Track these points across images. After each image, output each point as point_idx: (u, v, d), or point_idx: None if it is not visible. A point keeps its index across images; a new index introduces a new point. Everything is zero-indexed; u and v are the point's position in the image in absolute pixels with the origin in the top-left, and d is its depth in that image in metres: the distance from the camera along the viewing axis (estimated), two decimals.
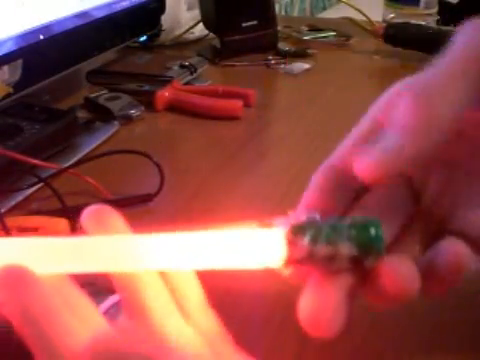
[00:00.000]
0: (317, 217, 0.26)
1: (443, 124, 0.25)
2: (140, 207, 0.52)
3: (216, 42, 0.92)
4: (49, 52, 0.62)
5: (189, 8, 0.97)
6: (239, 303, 0.40)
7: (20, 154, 0.51)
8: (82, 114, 0.68)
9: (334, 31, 0.98)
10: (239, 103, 0.70)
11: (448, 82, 0.25)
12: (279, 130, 0.69)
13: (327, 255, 0.24)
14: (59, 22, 0.62)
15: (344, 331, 0.36)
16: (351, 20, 1.06)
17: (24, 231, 0.44)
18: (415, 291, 0.24)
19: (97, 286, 0.30)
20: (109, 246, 0.25)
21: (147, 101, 0.71)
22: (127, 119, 0.68)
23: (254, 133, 0.67)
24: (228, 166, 0.59)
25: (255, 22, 0.90)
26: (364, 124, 0.30)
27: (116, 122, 0.67)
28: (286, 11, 1.71)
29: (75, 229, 0.45)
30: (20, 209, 0.51)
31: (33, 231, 0.44)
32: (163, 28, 0.91)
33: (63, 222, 0.46)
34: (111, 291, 0.30)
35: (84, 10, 0.66)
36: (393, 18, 1.05)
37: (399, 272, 0.24)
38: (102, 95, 0.72)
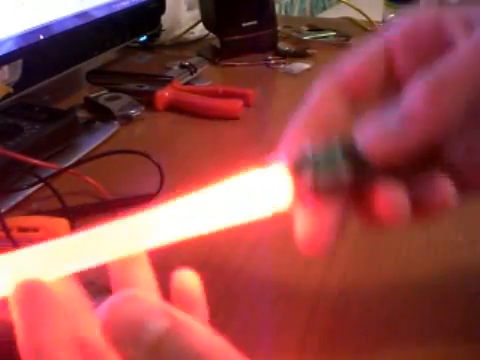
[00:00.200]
0: (308, 147, 0.26)
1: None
2: (140, 207, 0.52)
3: (216, 42, 0.92)
4: (49, 52, 0.62)
5: (189, 8, 0.97)
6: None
7: (20, 154, 0.51)
8: (82, 114, 0.68)
9: (334, 31, 0.98)
10: (239, 103, 0.70)
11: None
12: (279, 130, 0.69)
13: (329, 182, 0.25)
14: (59, 22, 0.62)
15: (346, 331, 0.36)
16: (351, 20, 1.06)
17: (24, 231, 0.44)
18: (405, 219, 0.26)
19: (97, 285, 0.30)
20: (112, 230, 0.25)
21: (147, 101, 0.71)
22: (127, 119, 0.68)
23: (254, 133, 0.67)
24: (228, 166, 0.59)
25: (255, 22, 0.90)
26: (376, 44, 0.29)
27: (116, 122, 0.67)
28: (286, 11, 1.71)
29: (75, 229, 0.45)
30: (20, 209, 0.51)
31: (33, 231, 0.44)
32: (163, 28, 0.91)
33: (63, 222, 0.46)
34: (111, 290, 0.30)
35: (84, 10, 0.66)
36: (393, 18, 1.05)
37: (392, 201, 0.26)
38: (102, 95, 0.72)
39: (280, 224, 0.49)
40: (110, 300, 0.22)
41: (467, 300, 0.40)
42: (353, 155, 0.25)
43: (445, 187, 0.27)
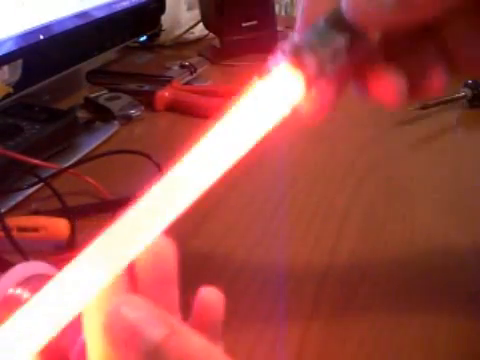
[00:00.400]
0: (301, 34, 0.26)
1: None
2: None
3: (216, 42, 0.92)
4: (49, 52, 0.62)
5: (189, 8, 0.98)
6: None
7: (20, 154, 0.51)
8: (82, 114, 0.68)
9: None
10: None
11: None
12: None
13: (330, 57, 0.25)
14: (59, 22, 0.62)
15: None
16: None
17: (24, 231, 0.44)
18: (402, 100, 0.27)
19: None
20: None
21: (147, 101, 0.71)
22: (127, 119, 0.68)
23: None
24: None
25: (255, 22, 0.90)
26: None
27: (116, 122, 0.67)
28: (286, 11, 1.71)
29: (75, 229, 0.45)
30: (20, 209, 0.51)
31: (33, 231, 0.44)
32: (163, 28, 0.91)
33: (63, 222, 0.46)
34: None
35: (84, 10, 0.66)
36: None
37: (391, 85, 0.27)
38: (102, 95, 0.72)
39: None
40: (111, 303, 0.22)
41: (468, 299, 0.41)
42: (341, 22, 0.25)
43: (439, 73, 0.28)
